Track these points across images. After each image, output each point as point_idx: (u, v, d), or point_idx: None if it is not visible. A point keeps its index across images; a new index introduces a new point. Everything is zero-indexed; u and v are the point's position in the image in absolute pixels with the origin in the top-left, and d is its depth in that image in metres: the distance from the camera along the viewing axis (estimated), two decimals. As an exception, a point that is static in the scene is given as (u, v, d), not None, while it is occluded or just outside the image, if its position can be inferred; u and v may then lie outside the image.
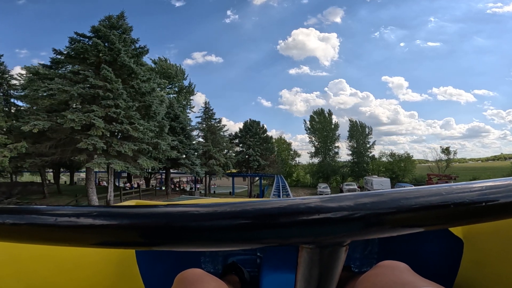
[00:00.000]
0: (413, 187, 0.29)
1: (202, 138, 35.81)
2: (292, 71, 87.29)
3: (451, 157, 54.29)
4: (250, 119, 42.82)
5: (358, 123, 54.01)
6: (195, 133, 36.04)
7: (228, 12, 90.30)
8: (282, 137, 60.81)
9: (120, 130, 16.56)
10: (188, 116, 38.87)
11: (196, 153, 31.05)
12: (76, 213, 0.28)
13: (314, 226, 0.26)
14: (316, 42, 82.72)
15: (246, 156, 40.49)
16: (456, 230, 0.86)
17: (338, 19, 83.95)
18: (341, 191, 35.87)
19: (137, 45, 20.61)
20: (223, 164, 35.19)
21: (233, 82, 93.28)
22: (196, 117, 36.94)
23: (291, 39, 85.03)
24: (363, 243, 1.21)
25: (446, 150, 53.73)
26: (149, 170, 32.25)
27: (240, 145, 41.92)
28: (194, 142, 32.14)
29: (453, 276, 0.86)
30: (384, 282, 0.42)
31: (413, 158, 53.30)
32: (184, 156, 27.86)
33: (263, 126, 43.67)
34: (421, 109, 78.94)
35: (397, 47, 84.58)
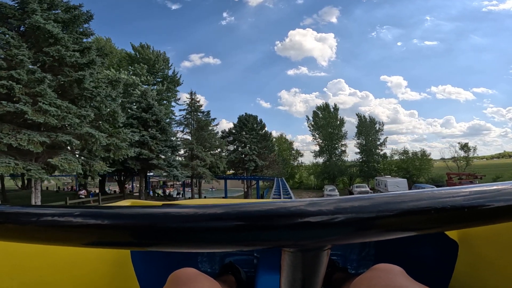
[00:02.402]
0: (398, 192, 0.28)
1: (188, 134, 29.52)
2: (291, 72, 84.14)
3: (471, 154, 46.80)
4: (246, 113, 36.11)
5: (369, 118, 46.89)
6: (179, 128, 29.80)
7: (224, 14, 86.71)
8: (283, 135, 53.98)
9: (14, 111, 10.11)
10: (173, 109, 32.51)
11: (176, 152, 24.67)
12: (66, 213, 0.27)
13: (294, 229, 0.26)
14: (313, 43, 79.52)
15: (242, 156, 33.85)
16: (451, 233, 0.84)
17: (334, 19, 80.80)
18: (351, 194, 29.33)
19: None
20: (212, 165, 28.74)
21: (232, 84, 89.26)
22: (180, 110, 30.32)
23: (288, 39, 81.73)
24: (359, 245, 1.18)
25: (465, 147, 46.28)
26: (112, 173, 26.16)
27: (236, 142, 35.39)
28: (174, 138, 25.81)
29: (447, 278, 0.84)
30: (378, 285, 0.41)
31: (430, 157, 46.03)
32: (157, 155, 21.47)
33: (261, 121, 36.85)
34: (421, 108, 76.53)
35: (395, 46, 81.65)
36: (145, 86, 24.93)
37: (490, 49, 74.39)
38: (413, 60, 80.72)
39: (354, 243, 1.11)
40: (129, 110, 22.25)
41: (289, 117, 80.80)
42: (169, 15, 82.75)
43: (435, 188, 0.29)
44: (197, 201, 1.28)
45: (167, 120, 23.96)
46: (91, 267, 0.77)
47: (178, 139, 27.30)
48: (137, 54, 30.12)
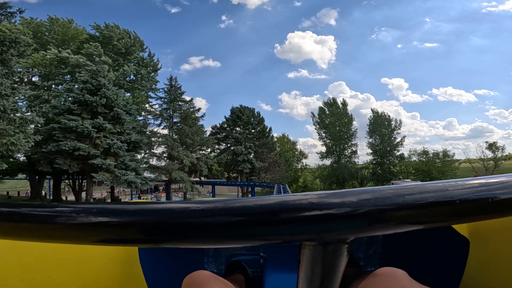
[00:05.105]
0: (418, 183, 0.27)
1: (168, 129, 22.59)
2: (291, 75, 78.95)
3: (499, 154, 39.02)
4: (240, 105, 28.82)
5: (386, 114, 39.40)
6: (157, 122, 22.89)
7: (223, 17, 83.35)
8: (286, 135, 46.53)
9: None
10: (151, 101, 25.48)
11: (139, 150, 17.67)
12: (77, 210, 0.26)
13: (316, 222, 0.24)
14: (312, 45, 74.40)
15: (234, 156, 26.67)
16: (462, 229, 0.83)
17: (332, 21, 75.54)
18: None
19: None
20: (195, 168, 21.78)
21: (232, 87, 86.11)
22: (157, 98, 23.30)
23: (287, 42, 76.72)
24: (366, 243, 1.13)
25: (493, 146, 38.48)
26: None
27: (228, 139, 28.21)
28: (144, 131, 18.82)
29: (459, 275, 0.83)
30: None
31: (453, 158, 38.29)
32: (105, 152, 14.47)
33: (259, 115, 29.44)
34: (423, 110, 71.81)
35: (395, 48, 76.33)
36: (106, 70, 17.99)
37: (490, 50, 70.04)
38: (414, 62, 76.50)
39: (360, 242, 1.09)
40: (69, 93, 15.34)
41: (290, 120, 76.16)
42: (169, 18, 78.38)
43: (458, 179, 0.27)
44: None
45: (130, 107, 16.86)
46: (99, 267, 0.75)
47: (149, 133, 20.36)
48: (99, 34, 23.16)
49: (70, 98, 15.19)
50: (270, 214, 0.24)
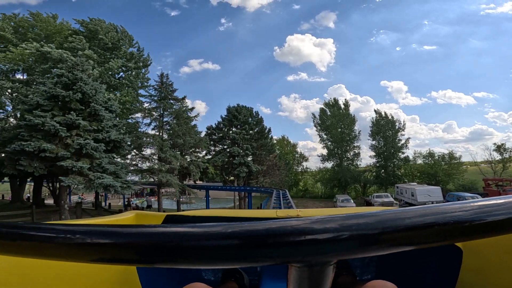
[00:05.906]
0: (402, 208, 0.28)
1: (158, 129, 20.72)
2: (290, 78, 77.49)
3: (506, 156, 36.92)
4: (238, 104, 26.86)
5: (391, 116, 37.35)
6: (147, 121, 21.01)
7: (222, 20, 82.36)
8: (286, 137, 44.50)
9: None
10: (142, 100, 23.59)
11: (122, 150, 15.74)
12: (76, 231, 0.27)
13: (301, 247, 0.26)
14: (312, 48, 73.16)
15: (230, 158, 24.74)
16: None
17: (331, 24, 74.36)
18: (369, 205, 20.52)
19: None
20: (187, 170, 19.88)
21: (232, 89, 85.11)
22: (146, 97, 21.42)
23: (286, 45, 75.69)
24: None
25: (501, 148, 36.40)
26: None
27: (224, 141, 26.30)
28: (131, 132, 16.91)
29: (452, 284, 0.84)
30: None
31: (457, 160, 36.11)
32: (78, 153, 12.54)
33: (257, 114, 27.38)
34: (422, 113, 69.85)
35: (394, 51, 74.87)
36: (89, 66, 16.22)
37: (489, 53, 68.50)
38: (413, 64, 74.89)
39: None
40: (41, 87, 13.48)
41: (290, 123, 74.54)
42: (168, 21, 77.40)
43: (458, 201, 0.28)
44: (199, 212, 1.26)
45: (111, 104, 14.96)
46: (97, 276, 0.76)
47: (139, 133, 18.47)
48: (84, 29, 21.31)
49: (40, 92, 13.32)
50: (258, 239, 0.26)
